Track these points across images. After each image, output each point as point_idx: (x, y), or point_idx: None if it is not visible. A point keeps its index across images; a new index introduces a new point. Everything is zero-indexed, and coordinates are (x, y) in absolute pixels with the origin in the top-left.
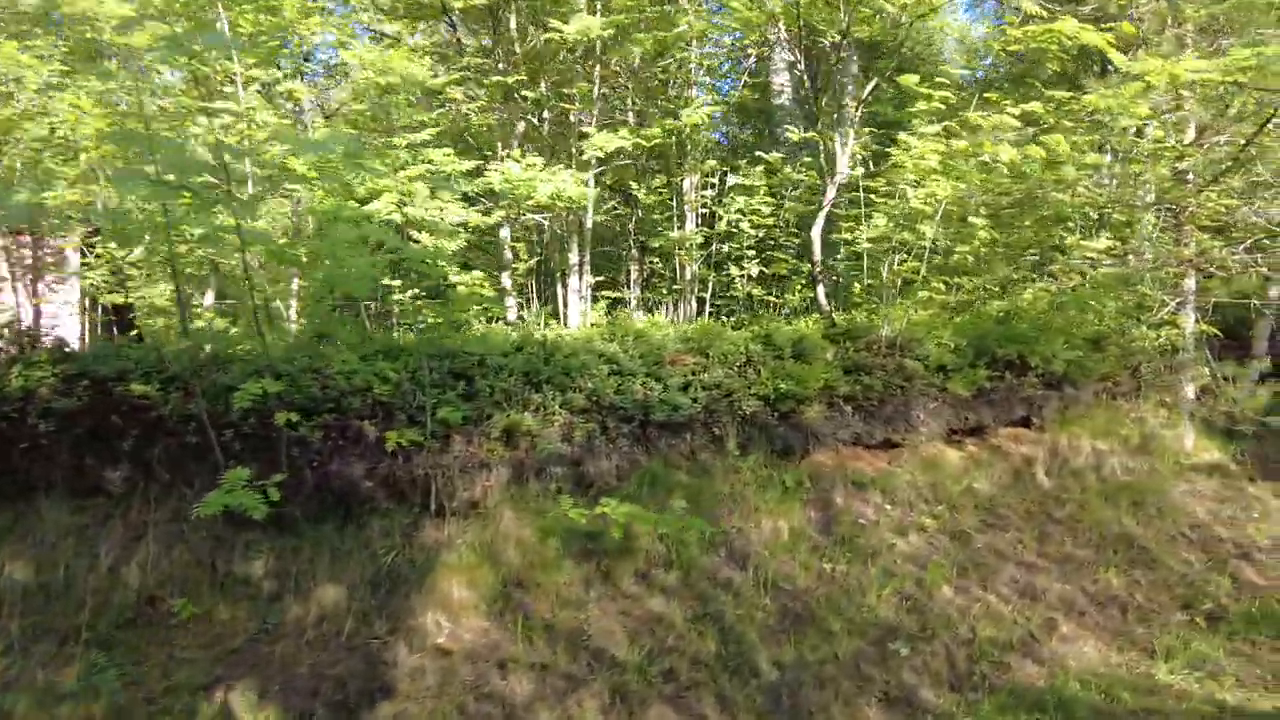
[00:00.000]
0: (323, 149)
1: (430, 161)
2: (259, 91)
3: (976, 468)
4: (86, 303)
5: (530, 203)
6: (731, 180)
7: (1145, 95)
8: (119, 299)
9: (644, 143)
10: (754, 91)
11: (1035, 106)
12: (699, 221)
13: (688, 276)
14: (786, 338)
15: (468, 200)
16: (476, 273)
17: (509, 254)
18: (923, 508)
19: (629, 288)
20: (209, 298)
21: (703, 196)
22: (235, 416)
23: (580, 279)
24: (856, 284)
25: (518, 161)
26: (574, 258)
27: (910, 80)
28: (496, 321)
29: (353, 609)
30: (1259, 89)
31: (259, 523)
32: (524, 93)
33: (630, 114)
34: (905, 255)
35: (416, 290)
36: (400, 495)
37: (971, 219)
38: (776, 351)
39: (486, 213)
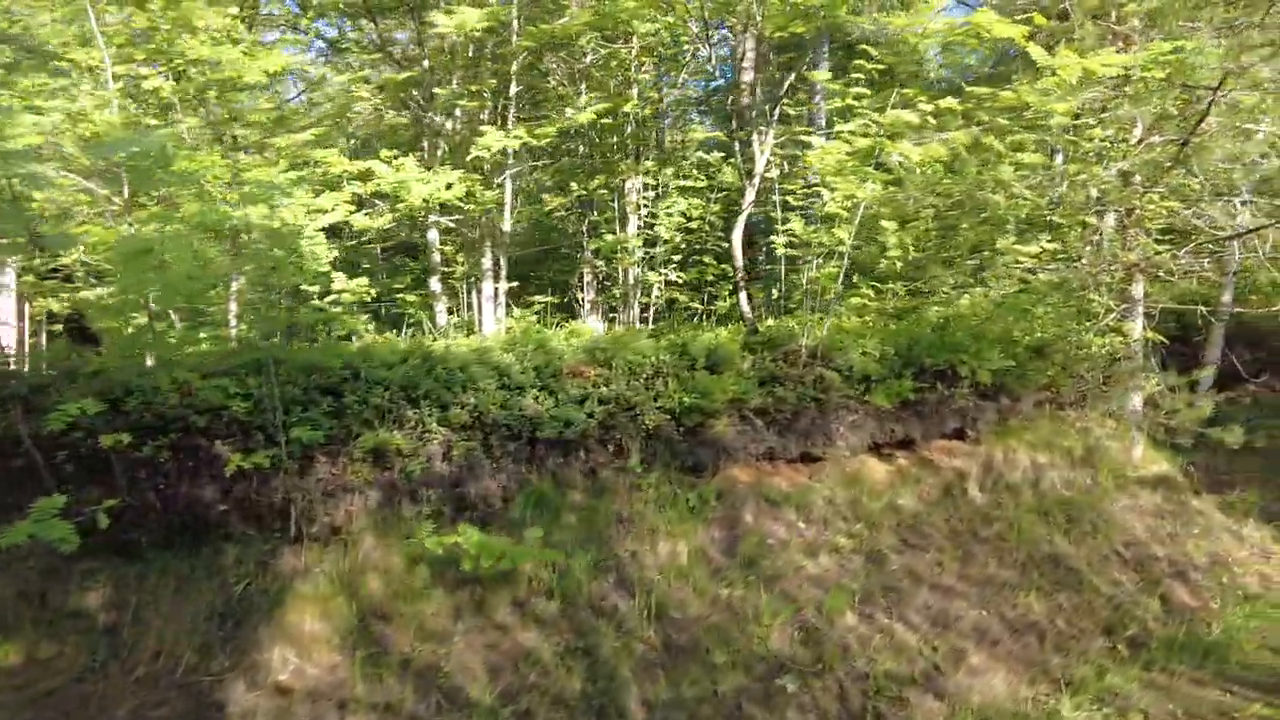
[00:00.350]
0: (118, 149)
1: (318, 163)
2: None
3: (903, 483)
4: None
5: (403, 205)
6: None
7: (1077, 91)
8: (55, 305)
9: (534, 141)
10: (725, 91)
11: (950, 103)
12: (642, 224)
13: (630, 281)
14: (702, 347)
15: (359, 204)
16: (360, 280)
17: (436, 257)
18: (840, 526)
19: (583, 292)
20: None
21: (644, 198)
22: (75, 437)
23: (495, 285)
24: (776, 290)
25: (386, 162)
26: (487, 262)
27: (820, 76)
28: (401, 329)
29: (194, 643)
30: (1186, 85)
31: (99, 550)
32: (435, 90)
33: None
34: (823, 260)
35: (281, 298)
36: (258, 520)
37: (884, 223)
38: (689, 362)
39: (382, 215)
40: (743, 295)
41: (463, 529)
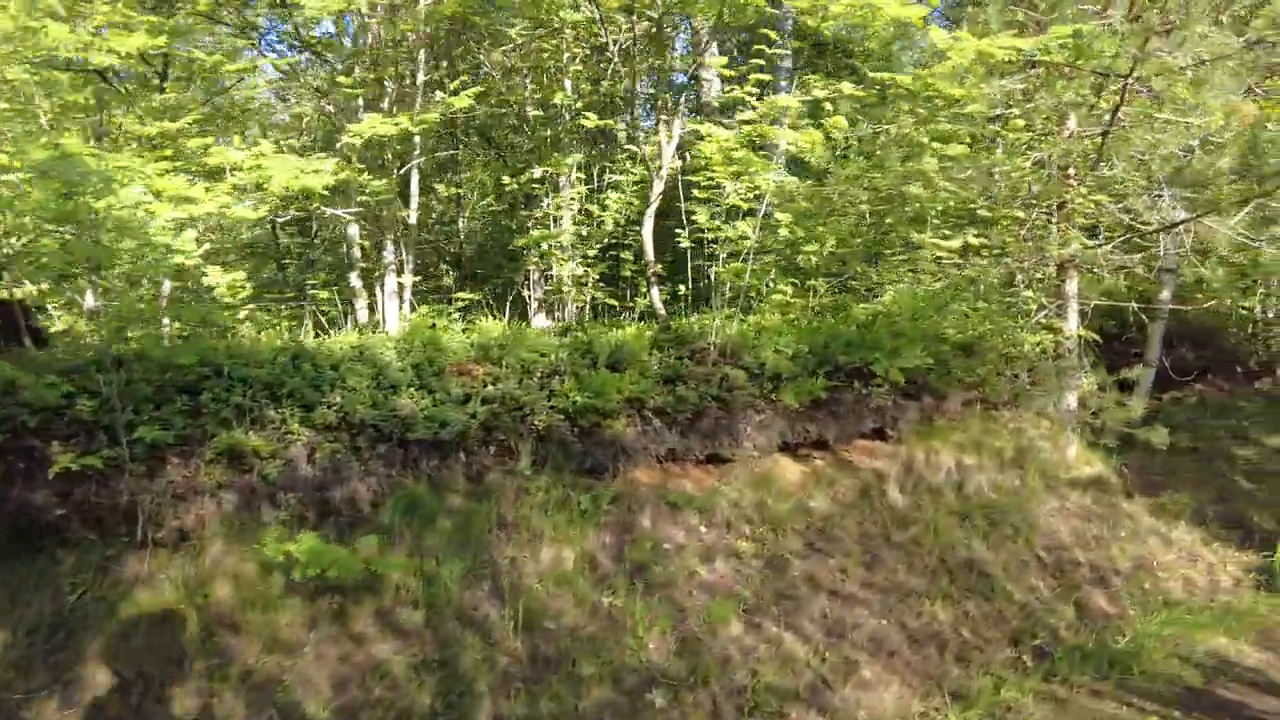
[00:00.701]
0: None
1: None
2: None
3: (817, 484)
4: None
5: (261, 192)
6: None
7: (974, 75)
8: None
9: (411, 129)
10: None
11: (847, 88)
12: (576, 219)
13: (565, 278)
14: (607, 345)
15: (240, 192)
16: (238, 274)
17: (356, 252)
18: (744, 530)
19: (530, 290)
20: (89, 299)
21: (577, 193)
22: None
23: (397, 279)
24: (684, 286)
25: (241, 149)
26: (389, 256)
27: (718, 63)
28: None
29: (13, 657)
30: (1097, 72)
31: None
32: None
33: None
34: (735, 256)
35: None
36: (100, 525)
37: (778, 215)
38: (591, 360)
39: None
40: (654, 291)
41: (301, 536)
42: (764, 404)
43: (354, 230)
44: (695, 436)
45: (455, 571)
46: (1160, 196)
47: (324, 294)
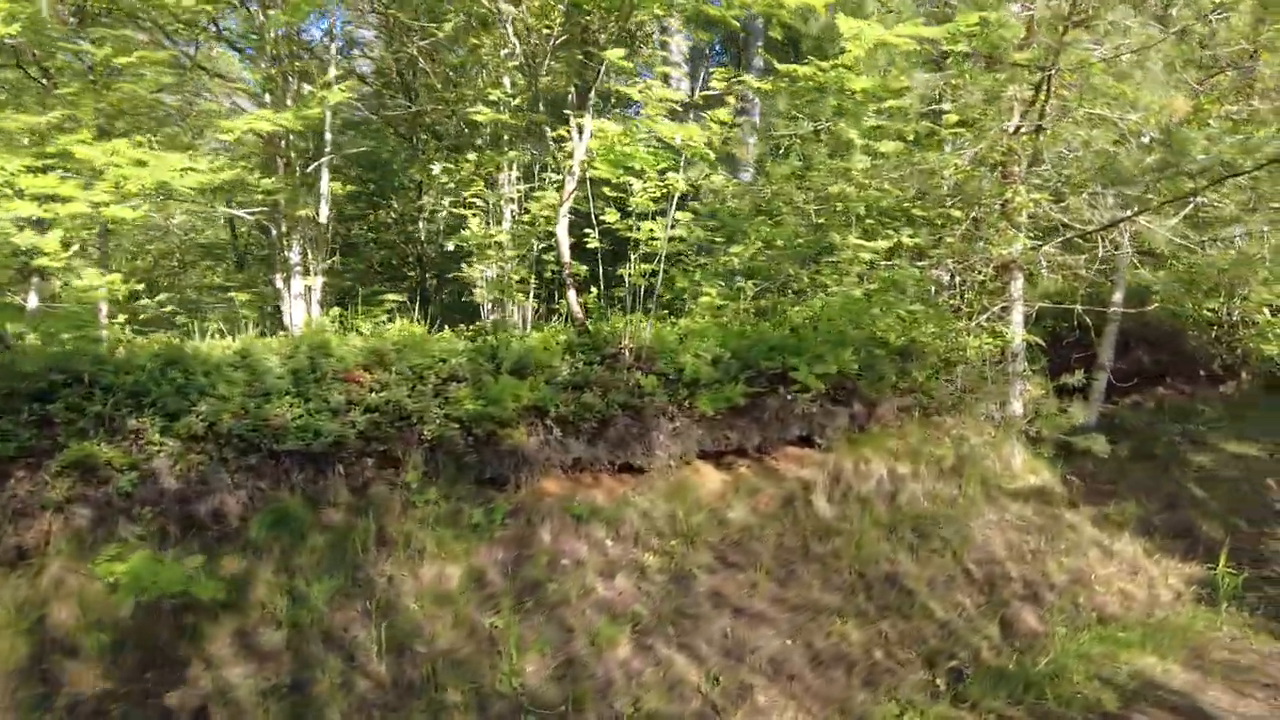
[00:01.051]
0: None
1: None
2: None
3: (738, 494)
4: None
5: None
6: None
7: (871, 64)
8: None
9: (285, 125)
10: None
11: (750, 81)
12: (515, 220)
13: (500, 279)
14: (516, 350)
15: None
16: (90, 271)
17: (296, 255)
18: (654, 543)
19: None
20: (32, 299)
21: (516, 191)
22: None
23: (303, 280)
24: (596, 289)
25: (87, 142)
26: (294, 256)
27: (615, 55)
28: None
29: None
30: (1016, 64)
31: None
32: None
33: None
34: (640, 257)
35: None
36: None
37: (677, 215)
38: (495, 365)
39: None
40: (571, 294)
41: (135, 556)
42: (678, 411)
43: (275, 231)
44: (604, 445)
45: (325, 590)
46: (1098, 195)
47: (243, 295)
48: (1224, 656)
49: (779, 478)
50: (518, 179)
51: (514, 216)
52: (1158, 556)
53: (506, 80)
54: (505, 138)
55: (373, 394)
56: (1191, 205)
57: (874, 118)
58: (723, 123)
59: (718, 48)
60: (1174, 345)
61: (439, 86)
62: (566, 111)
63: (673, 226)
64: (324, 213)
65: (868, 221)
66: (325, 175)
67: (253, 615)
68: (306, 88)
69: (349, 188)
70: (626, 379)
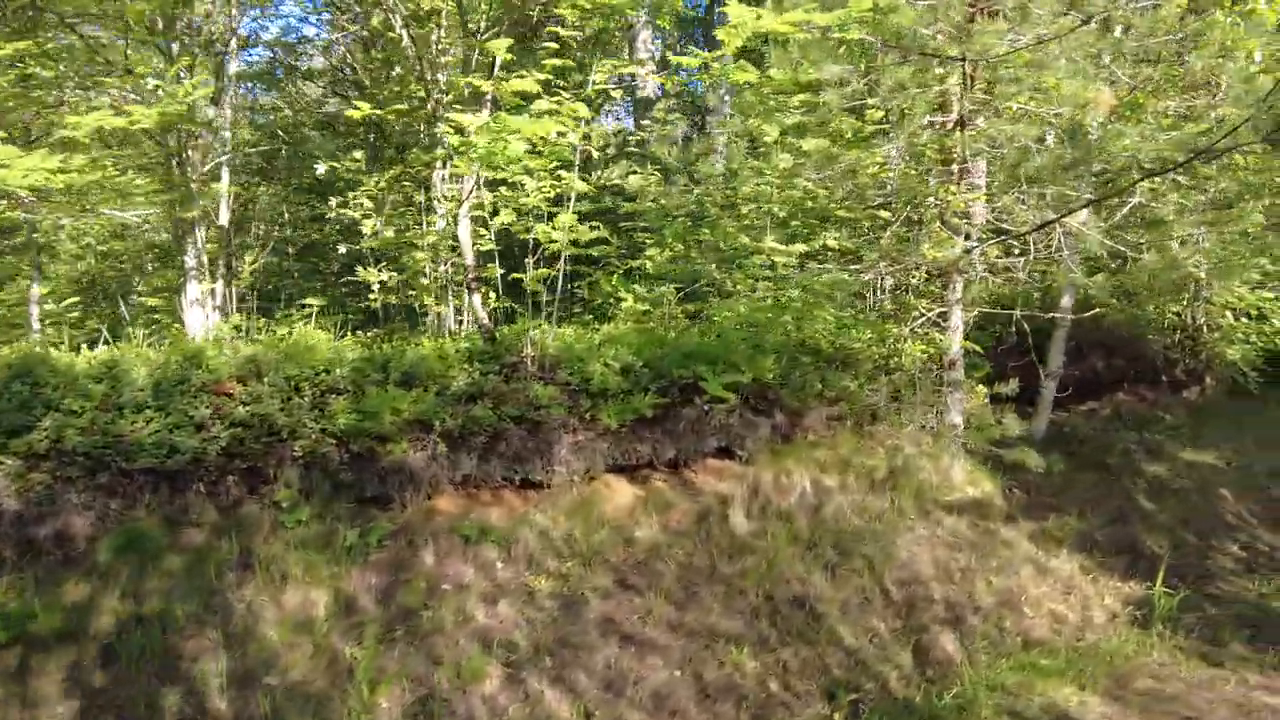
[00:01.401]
0: None
1: None
2: None
3: (649, 511)
4: None
5: None
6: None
7: (820, 63)
8: None
9: (127, 125)
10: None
11: (634, 68)
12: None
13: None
14: (410, 359)
15: None
16: None
17: (190, 260)
18: (549, 565)
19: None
20: None
21: (451, 189)
22: None
23: (200, 286)
24: (494, 295)
25: None
26: (190, 261)
27: (499, 46)
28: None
29: None
30: (924, 53)
31: None
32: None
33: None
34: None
35: None
36: None
37: (561, 217)
38: (383, 376)
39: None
40: (475, 299)
41: None
42: (580, 424)
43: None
44: (497, 461)
45: (175, 617)
46: (1024, 195)
47: (154, 301)
48: (1148, 686)
49: (696, 492)
50: (445, 179)
51: (449, 216)
52: (1096, 575)
53: (441, 76)
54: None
55: (242, 407)
56: (1128, 207)
57: (795, 114)
58: (579, 118)
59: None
60: (1132, 351)
61: (367, 84)
62: (458, 107)
63: (576, 227)
64: (224, 215)
65: (794, 224)
66: (225, 175)
67: (90, 647)
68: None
69: (265, 189)
70: (522, 390)
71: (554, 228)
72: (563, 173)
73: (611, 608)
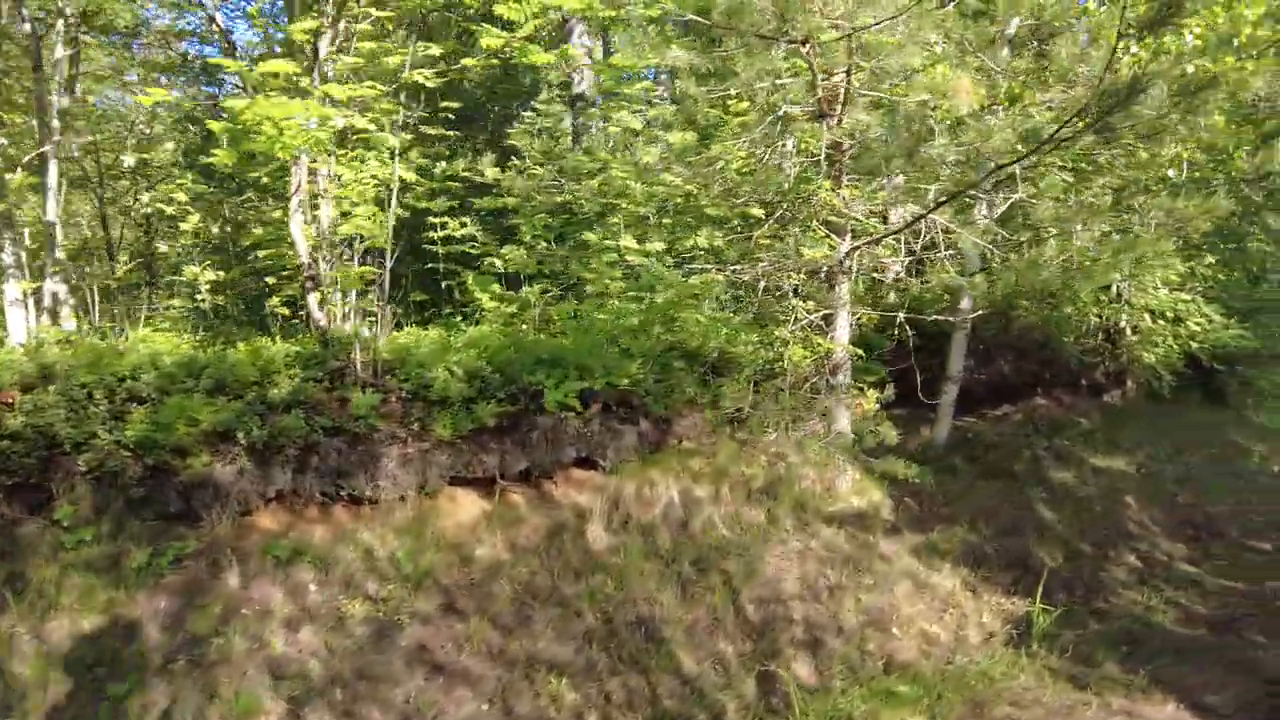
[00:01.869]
0: None
1: None
2: None
3: (495, 526)
4: None
5: None
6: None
7: (661, 46)
8: None
9: None
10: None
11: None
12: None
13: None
14: (230, 363)
15: None
16: None
17: (9, 257)
18: (370, 587)
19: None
20: None
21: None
22: None
23: (18, 285)
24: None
25: None
26: (7, 258)
27: (299, 29)
28: None
29: None
30: (761, 36)
31: None
32: None
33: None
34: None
35: None
36: None
37: (379, 213)
38: (195, 382)
39: None
40: (311, 297)
41: None
42: (411, 435)
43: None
44: (314, 475)
45: None
46: (882, 187)
47: None
48: (1005, 713)
49: (552, 505)
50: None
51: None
52: (979, 590)
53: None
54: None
55: (18, 418)
56: (1007, 204)
57: (660, 105)
58: (334, 99)
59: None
60: (1045, 354)
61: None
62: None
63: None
64: (51, 209)
65: (667, 221)
66: (53, 168)
67: None
68: None
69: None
70: (342, 398)
71: (376, 221)
72: (376, 164)
73: (429, 634)
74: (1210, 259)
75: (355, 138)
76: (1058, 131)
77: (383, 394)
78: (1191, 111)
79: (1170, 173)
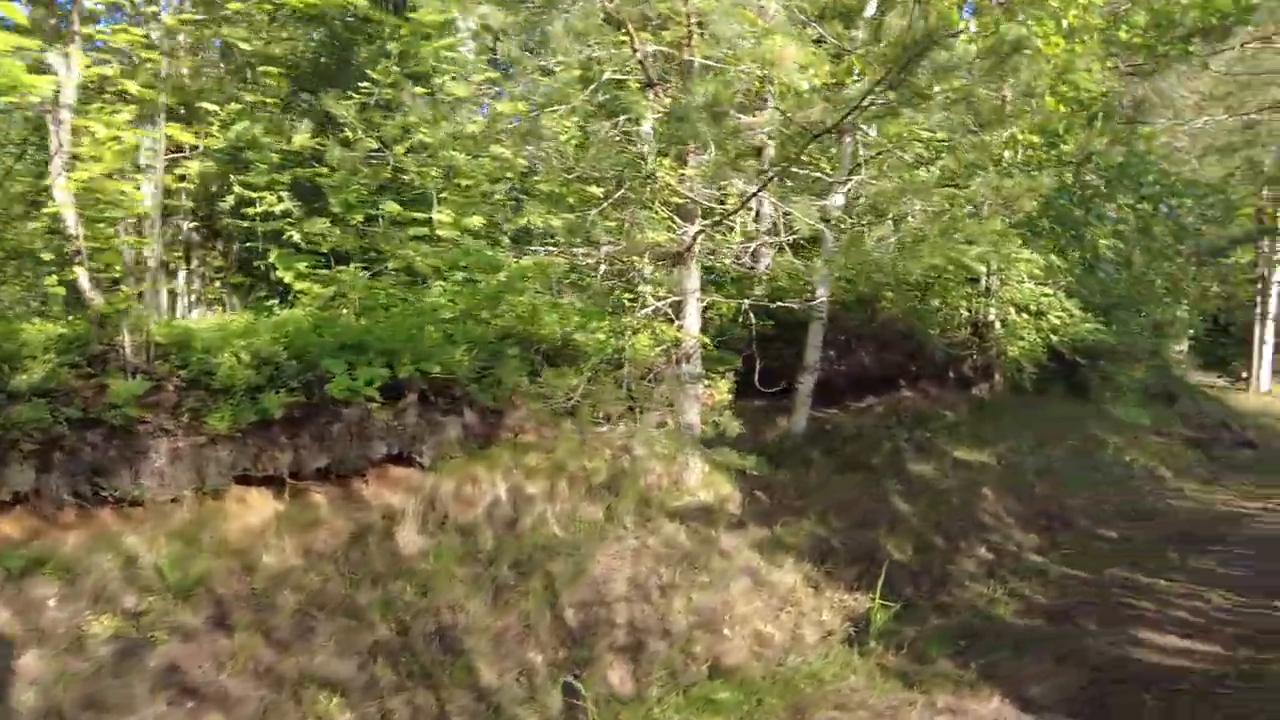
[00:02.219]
0: None
1: None
2: None
3: (288, 530)
4: None
5: None
6: None
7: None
8: None
9: None
10: None
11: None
12: None
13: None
14: None
15: None
16: None
17: None
18: (127, 601)
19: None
20: None
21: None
22: None
23: None
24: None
25: None
26: None
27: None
28: None
29: None
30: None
31: None
32: None
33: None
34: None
35: None
36: None
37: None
38: None
39: None
40: (82, 273)
41: None
42: (181, 427)
43: None
44: (62, 473)
45: None
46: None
47: None
48: (829, 717)
49: (360, 506)
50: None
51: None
52: (822, 585)
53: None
54: None
55: None
56: (848, 186)
57: (484, 69)
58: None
59: None
60: (910, 346)
61: None
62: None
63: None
64: None
65: (497, 198)
66: None
67: None
68: None
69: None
70: (100, 385)
71: (130, 189)
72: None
73: (187, 652)
74: (1049, 244)
75: (111, 91)
76: (864, 96)
77: (154, 381)
78: (1003, 75)
79: (1006, 154)
